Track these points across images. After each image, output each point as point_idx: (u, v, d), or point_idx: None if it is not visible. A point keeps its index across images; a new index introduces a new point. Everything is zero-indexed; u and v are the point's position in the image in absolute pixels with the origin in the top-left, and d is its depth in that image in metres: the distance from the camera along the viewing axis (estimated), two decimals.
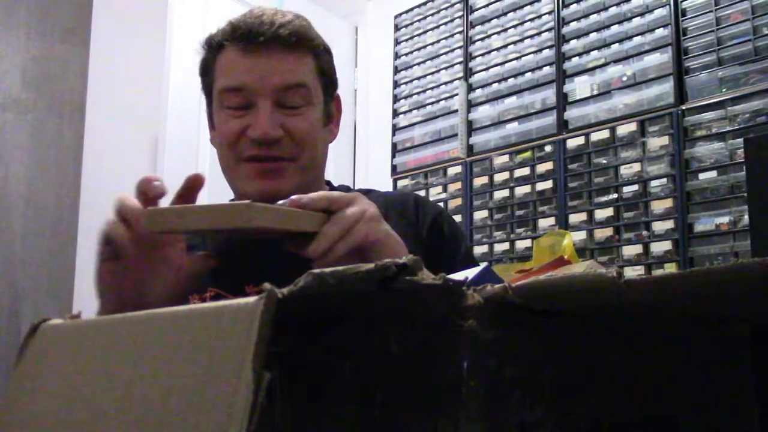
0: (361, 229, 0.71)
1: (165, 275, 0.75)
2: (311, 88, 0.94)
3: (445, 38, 2.92)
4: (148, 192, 0.71)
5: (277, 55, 0.91)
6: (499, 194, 2.59)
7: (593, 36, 2.45)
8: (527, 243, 2.46)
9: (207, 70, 0.97)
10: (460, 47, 2.85)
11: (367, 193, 1.07)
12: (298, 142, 0.92)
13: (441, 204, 2.68)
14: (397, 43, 3.09)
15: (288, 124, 0.91)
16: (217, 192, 1.04)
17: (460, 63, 2.83)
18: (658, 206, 2.19)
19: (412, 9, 3.06)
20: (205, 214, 0.67)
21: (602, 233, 2.29)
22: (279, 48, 0.91)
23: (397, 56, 3.08)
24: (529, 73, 2.60)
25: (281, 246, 0.71)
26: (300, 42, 0.93)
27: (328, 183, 1.07)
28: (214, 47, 0.95)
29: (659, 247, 2.16)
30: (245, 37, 0.91)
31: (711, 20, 2.17)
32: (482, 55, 2.77)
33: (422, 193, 2.81)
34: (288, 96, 0.92)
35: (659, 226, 2.18)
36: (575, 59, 2.48)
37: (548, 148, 2.49)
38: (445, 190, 2.77)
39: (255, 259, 0.79)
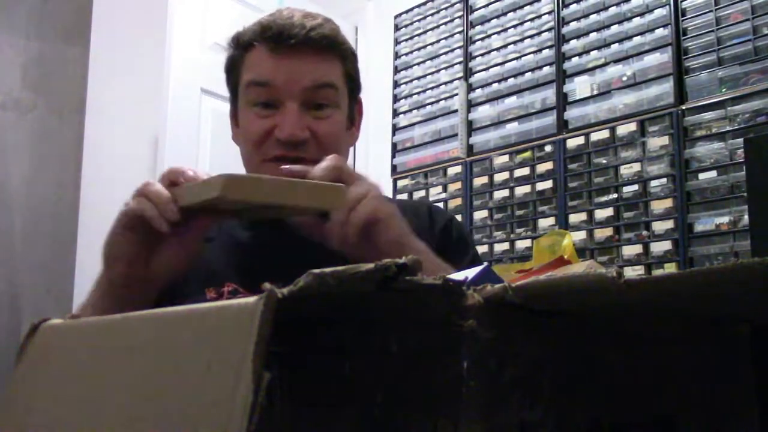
0: (368, 205, 0.71)
1: (176, 251, 0.75)
2: (339, 89, 0.95)
3: (445, 38, 2.91)
4: (177, 182, 0.73)
5: (307, 57, 0.92)
6: (499, 194, 2.59)
7: (593, 36, 2.45)
8: (527, 243, 2.46)
9: (234, 67, 0.97)
10: (460, 47, 2.85)
11: None
12: (323, 144, 0.93)
13: (441, 204, 2.68)
14: (397, 43, 3.09)
15: (314, 127, 0.92)
16: None
17: (460, 63, 2.83)
18: (658, 206, 2.19)
19: (412, 9, 3.06)
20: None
21: (602, 233, 2.29)
22: (309, 51, 0.92)
23: (397, 56, 3.08)
24: (529, 73, 2.60)
25: (297, 231, 0.73)
26: (330, 46, 0.93)
27: None
28: (242, 45, 0.95)
29: (659, 247, 2.16)
30: (276, 39, 0.91)
31: (711, 20, 2.17)
32: (482, 55, 2.77)
33: (422, 192, 2.82)
34: (316, 95, 0.92)
35: (659, 226, 2.18)
36: (575, 59, 2.48)
37: (548, 148, 2.49)
38: (445, 190, 2.77)
39: (277, 255, 0.80)
